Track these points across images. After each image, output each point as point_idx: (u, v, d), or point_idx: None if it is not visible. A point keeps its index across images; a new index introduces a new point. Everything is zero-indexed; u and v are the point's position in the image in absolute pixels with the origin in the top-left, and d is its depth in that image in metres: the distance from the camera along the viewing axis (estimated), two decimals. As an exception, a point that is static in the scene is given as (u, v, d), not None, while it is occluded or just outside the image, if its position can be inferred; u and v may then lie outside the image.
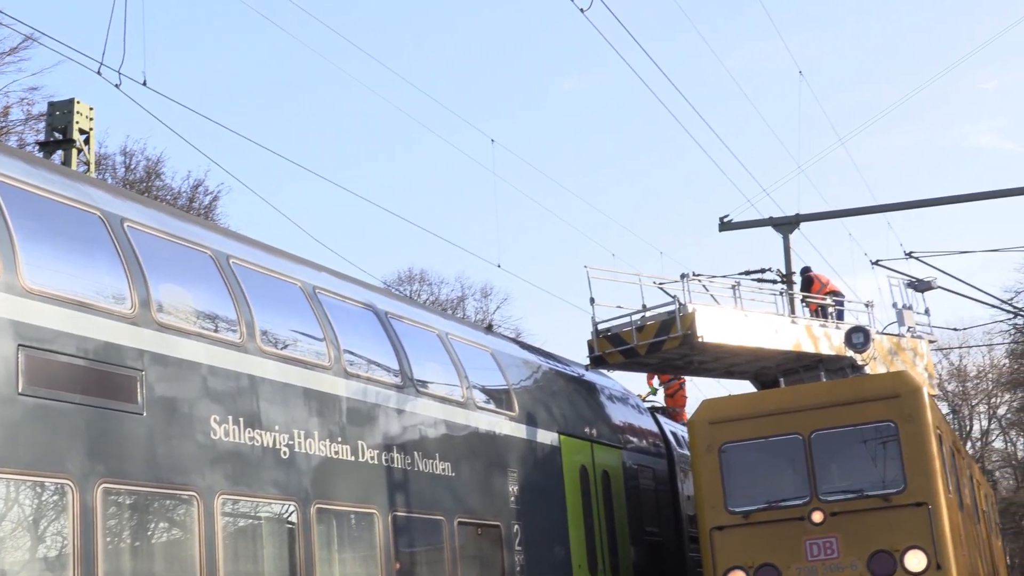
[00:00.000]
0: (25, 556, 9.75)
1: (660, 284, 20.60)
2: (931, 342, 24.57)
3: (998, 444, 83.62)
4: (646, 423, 23.66)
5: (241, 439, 12.03)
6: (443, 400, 16.07)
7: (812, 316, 23.41)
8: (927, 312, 25.16)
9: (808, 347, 20.82)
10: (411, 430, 15.10)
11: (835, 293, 25.31)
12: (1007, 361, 73.67)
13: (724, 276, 22.03)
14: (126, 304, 11.06)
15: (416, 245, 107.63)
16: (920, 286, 25.90)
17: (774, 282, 29.52)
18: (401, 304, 17.30)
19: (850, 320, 23.19)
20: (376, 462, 14.17)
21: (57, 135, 18.06)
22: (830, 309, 23.79)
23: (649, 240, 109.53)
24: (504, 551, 16.77)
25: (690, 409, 28.26)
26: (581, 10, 16.97)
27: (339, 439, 13.56)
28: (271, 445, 12.44)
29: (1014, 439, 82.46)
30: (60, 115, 18.15)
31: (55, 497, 9.93)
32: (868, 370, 21.17)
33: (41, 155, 17.98)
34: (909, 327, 23.51)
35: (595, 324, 20.34)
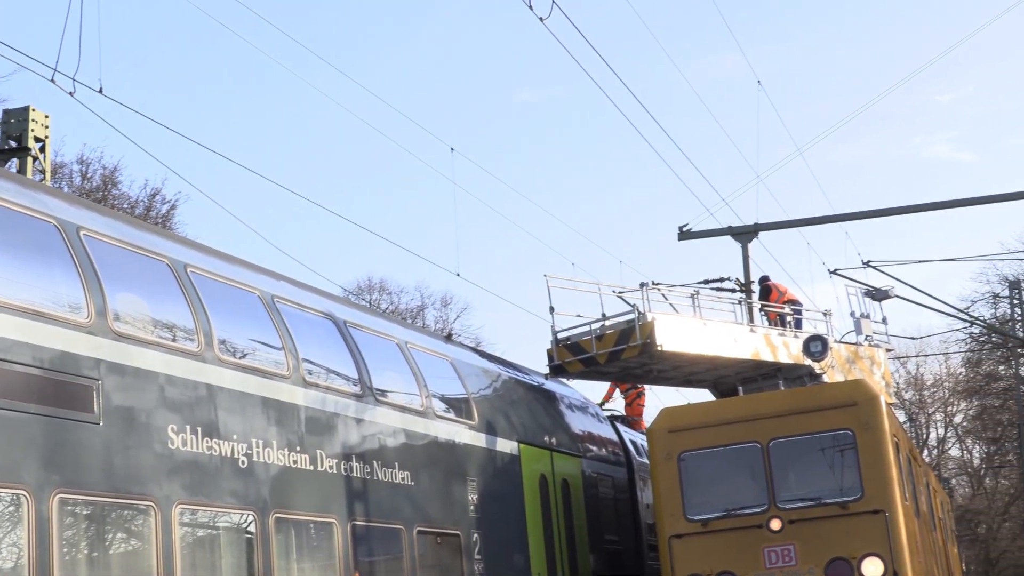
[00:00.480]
0: (-20, 567, 9.66)
1: (619, 293, 20.64)
2: (888, 351, 24.72)
3: (954, 452, 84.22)
4: (605, 432, 23.69)
5: (199, 449, 11.97)
6: (402, 409, 16.04)
7: (770, 325, 23.51)
8: (884, 321, 25.33)
9: (766, 356, 20.90)
10: (370, 439, 15.06)
11: (793, 302, 25.42)
12: (963, 370, 74.19)
13: (683, 285, 22.13)
14: (82, 313, 10.99)
15: (375, 254, 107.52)
16: (877, 295, 26.05)
17: (733, 291, 29.62)
18: (360, 313, 17.27)
19: (808, 329, 23.30)
20: (335, 471, 14.12)
21: (12, 143, 17.91)
22: (788, 318, 23.90)
23: (608, 249, 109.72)
24: (464, 560, 16.75)
25: (649, 418, 28.31)
26: (540, 19, 17.00)
27: (298, 448, 13.51)
28: (229, 455, 12.38)
29: (970, 447, 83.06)
30: (15, 123, 18.00)
31: (10, 507, 9.85)
32: (826, 378, 21.27)
33: (-3, 163, 17.84)
34: (867, 336, 23.64)
35: (554, 333, 20.36)
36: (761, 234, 33.16)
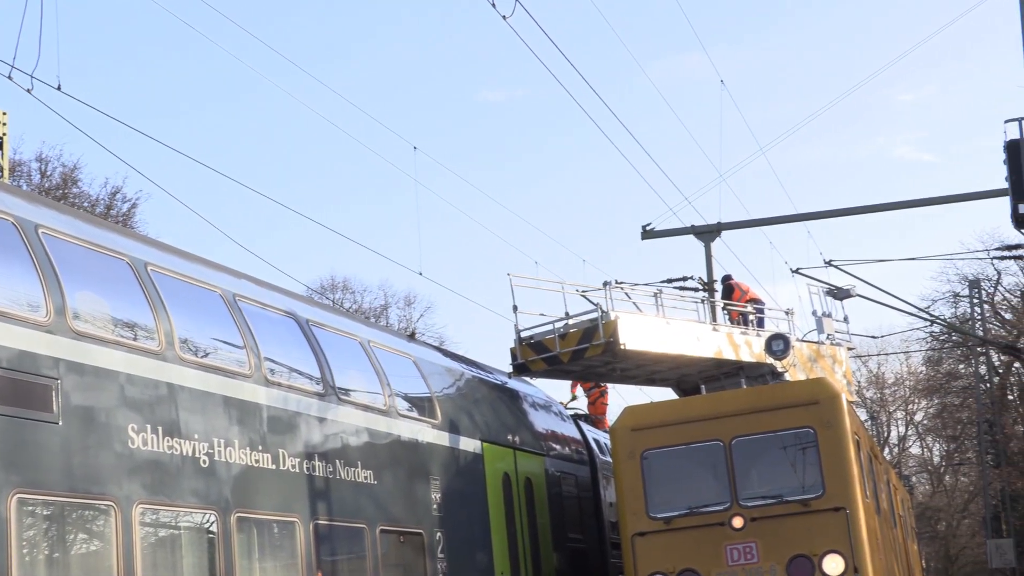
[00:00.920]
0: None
1: (583, 292, 20.65)
2: (850, 349, 24.85)
3: (915, 450, 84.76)
4: (569, 430, 23.70)
5: (160, 448, 11.90)
6: (365, 408, 16.00)
7: (733, 324, 23.58)
8: (846, 320, 25.46)
9: (729, 354, 20.96)
10: (333, 438, 15.01)
11: (755, 301, 25.50)
12: (924, 368, 74.67)
13: (646, 284, 22.16)
14: (41, 312, 10.90)
15: (338, 252, 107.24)
16: (839, 294, 26.16)
17: (696, 290, 29.69)
18: (323, 312, 17.21)
19: (770, 327, 23.38)
20: (297, 470, 14.07)
21: (-31, 141, 17.74)
22: (751, 317, 23.98)
23: (572, 248, 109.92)
24: (427, 559, 16.72)
25: (611, 416, 28.34)
26: (503, 16, 16.98)
27: (260, 447, 13.45)
28: (190, 454, 12.32)
29: (930, 445, 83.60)
30: (-28, 120, 17.84)
31: (-32, 508, 9.76)
32: (788, 377, 21.35)
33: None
34: (828, 334, 23.75)
35: (518, 332, 20.37)
36: (724, 233, 33.28)
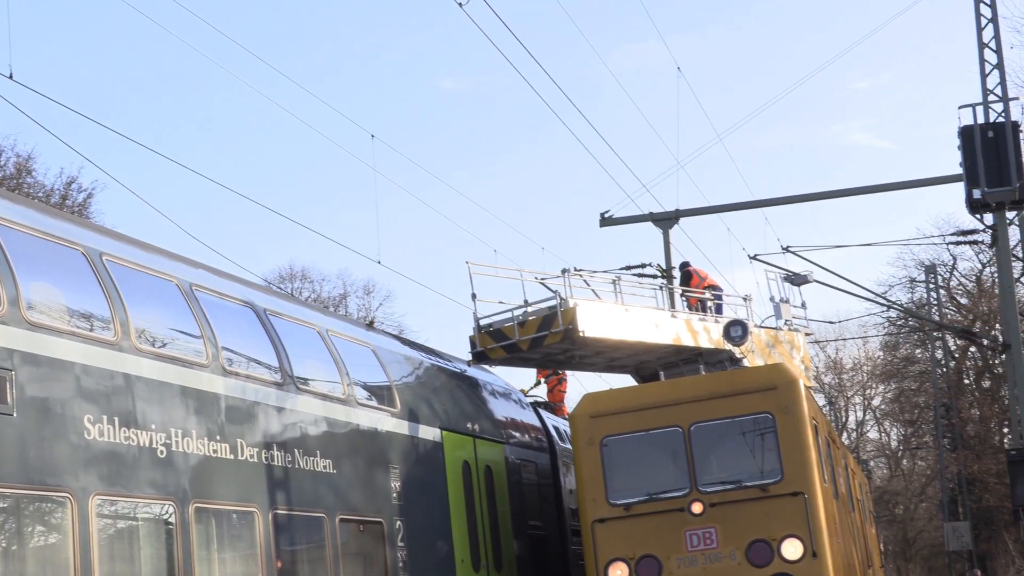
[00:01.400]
0: None
1: (541, 279, 20.65)
2: (807, 335, 24.96)
3: (872, 434, 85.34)
4: (528, 418, 23.72)
5: (116, 439, 11.83)
6: (324, 397, 15.95)
7: (691, 310, 23.64)
8: (803, 305, 25.56)
9: (688, 341, 21.01)
10: (291, 427, 14.97)
11: (714, 287, 25.57)
12: (881, 353, 75.20)
13: (605, 271, 22.18)
14: (-5, 303, 10.80)
15: (297, 242, 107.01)
16: (797, 280, 26.28)
17: (654, 277, 29.78)
18: (281, 301, 17.15)
19: (728, 314, 23.46)
20: (256, 460, 14.02)
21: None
22: (709, 303, 24.04)
23: (531, 236, 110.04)
24: (387, 547, 16.70)
25: (570, 403, 28.37)
26: (459, 3, 16.93)
27: (218, 437, 13.40)
28: (148, 444, 12.25)
29: (888, 429, 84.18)
30: (-75, 110, 17.66)
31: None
32: (746, 363, 21.43)
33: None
34: (786, 320, 23.85)
35: (477, 320, 20.34)
36: (682, 220, 33.41)
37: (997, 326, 51.91)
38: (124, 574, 11.76)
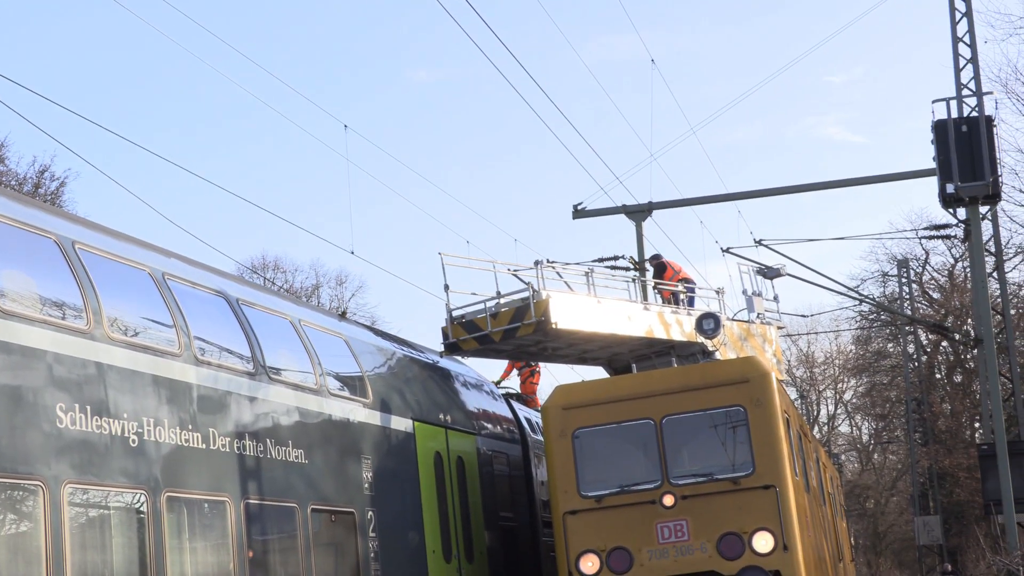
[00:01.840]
0: None
1: (514, 271, 20.66)
2: (780, 328, 25.03)
3: (844, 428, 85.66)
4: (500, 409, 23.75)
5: (88, 427, 11.81)
6: (296, 387, 15.95)
7: (664, 303, 23.68)
8: (776, 299, 25.62)
9: (660, 333, 21.05)
10: (263, 417, 14.96)
11: (687, 280, 25.62)
12: (853, 347, 75.43)
13: (578, 263, 22.18)
14: (-33, 290, 10.77)
15: (269, 231, 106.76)
16: (769, 273, 26.35)
17: (627, 269, 29.81)
18: (253, 291, 17.12)
19: (701, 307, 23.51)
20: (228, 450, 14.01)
21: None
22: (681, 296, 24.09)
23: (503, 227, 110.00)
24: (358, 538, 16.72)
25: (543, 395, 28.40)
26: (435, -4, 16.92)
27: (190, 427, 13.39)
28: (120, 433, 12.24)
29: (859, 423, 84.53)
30: None
31: None
32: (718, 356, 21.48)
33: None
34: (759, 313, 23.91)
35: (449, 311, 20.32)
36: (655, 212, 33.49)
37: (969, 321, 52.21)
38: (96, 563, 11.75)
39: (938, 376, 65.04)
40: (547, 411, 19.11)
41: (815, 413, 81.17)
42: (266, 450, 14.81)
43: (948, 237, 41.09)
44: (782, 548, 17.84)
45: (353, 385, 17.75)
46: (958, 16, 31.84)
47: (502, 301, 20.06)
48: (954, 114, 29.12)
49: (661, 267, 26.29)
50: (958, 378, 63.09)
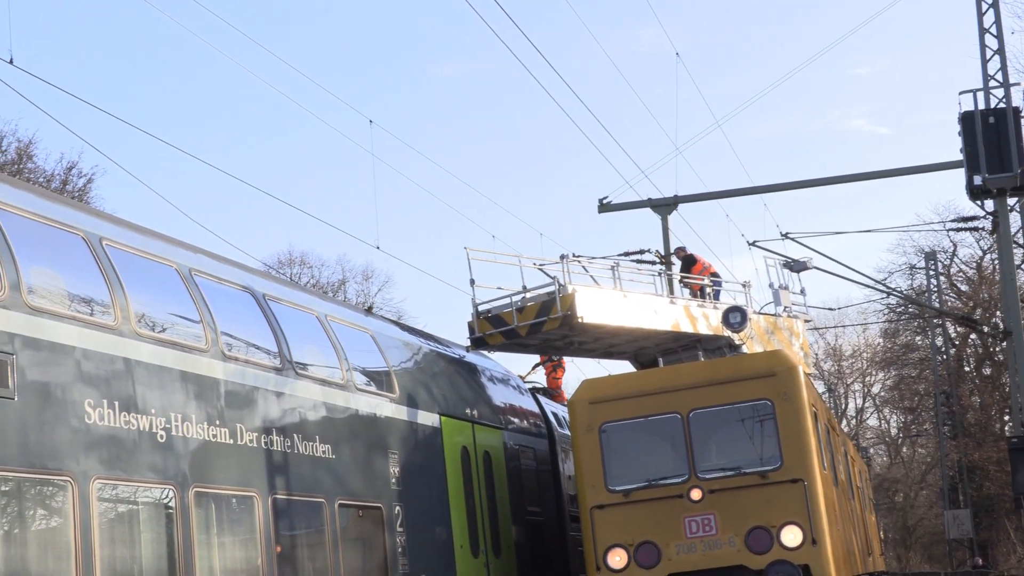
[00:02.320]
0: None
1: (540, 265, 20.64)
2: (807, 321, 24.95)
3: (872, 421, 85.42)
4: (527, 403, 23.74)
5: (117, 423, 11.86)
6: (323, 382, 15.98)
7: (691, 296, 23.63)
8: (803, 292, 25.56)
9: (686, 327, 21.01)
10: (290, 412, 15.00)
11: (712, 274, 25.60)
12: (881, 340, 75.22)
13: (603, 257, 22.18)
14: (-5, 287, 10.82)
15: (296, 227, 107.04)
16: (796, 266, 26.28)
17: (653, 263, 29.78)
18: (279, 286, 17.16)
19: (727, 300, 23.47)
20: (255, 445, 14.05)
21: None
22: (708, 289, 24.06)
23: (529, 222, 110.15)
24: (386, 533, 16.74)
25: (569, 390, 28.40)
26: (460, -9, 16.90)
27: (217, 422, 13.43)
28: (148, 429, 12.28)
29: (888, 416, 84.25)
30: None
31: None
32: (745, 349, 21.42)
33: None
34: (785, 307, 23.84)
35: (475, 305, 20.33)
36: (681, 206, 33.40)
37: (998, 313, 51.93)
38: (124, 558, 11.80)
39: (967, 369, 64.78)
40: (574, 405, 19.09)
41: (843, 406, 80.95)
42: (293, 445, 14.84)
43: (976, 229, 40.92)
44: (811, 542, 17.78)
45: (379, 380, 17.77)
46: (985, 7, 31.65)
47: (528, 296, 20.04)
48: (981, 105, 28.95)
49: (690, 259, 26.26)
50: (987, 371, 62.85)
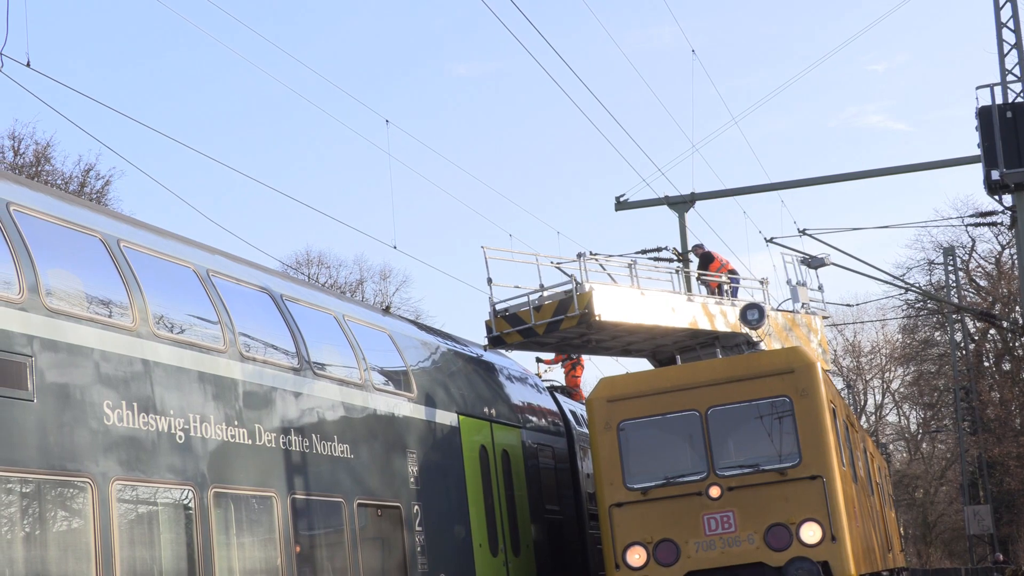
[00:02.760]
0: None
1: (557, 264, 20.63)
2: (825, 318, 24.89)
3: (892, 418, 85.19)
4: (545, 402, 23.74)
5: (135, 424, 11.89)
6: (341, 382, 15.99)
7: (709, 293, 23.59)
8: (821, 288, 25.51)
9: (704, 324, 20.98)
10: (309, 412, 15.02)
11: (731, 272, 25.54)
12: (900, 336, 75.02)
13: (620, 255, 22.13)
14: (14, 290, 10.87)
15: (313, 227, 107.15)
16: (813, 263, 26.22)
17: (670, 260, 29.74)
18: (297, 286, 17.18)
19: (745, 297, 23.42)
20: (274, 445, 14.07)
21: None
22: (725, 287, 24.02)
23: (546, 220, 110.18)
24: (404, 532, 16.76)
25: (587, 388, 28.35)
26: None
27: (236, 423, 13.45)
28: (166, 430, 12.31)
29: (907, 412, 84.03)
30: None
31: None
32: (763, 346, 21.39)
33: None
34: (803, 303, 23.79)
35: (493, 304, 20.32)
36: (697, 203, 33.36)
37: (1017, 308, 51.77)
38: (144, 558, 11.83)
39: (986, 364, 64.59)
40: (592, 403, 19.08)
41: (862, 403, 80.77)
42: (312, 445, 14.86)
43: (994, 224, 40.78)
44: (830, 539, 17.75)
45: (397, 379, 17.79)
46: (1002, 1, 31.54)
47: (545, 294, 20.03)
48: (998, 100, 28.83)
49: (708, 257, 26.22)
50: (1007, 366, 62.66)
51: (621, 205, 33.76)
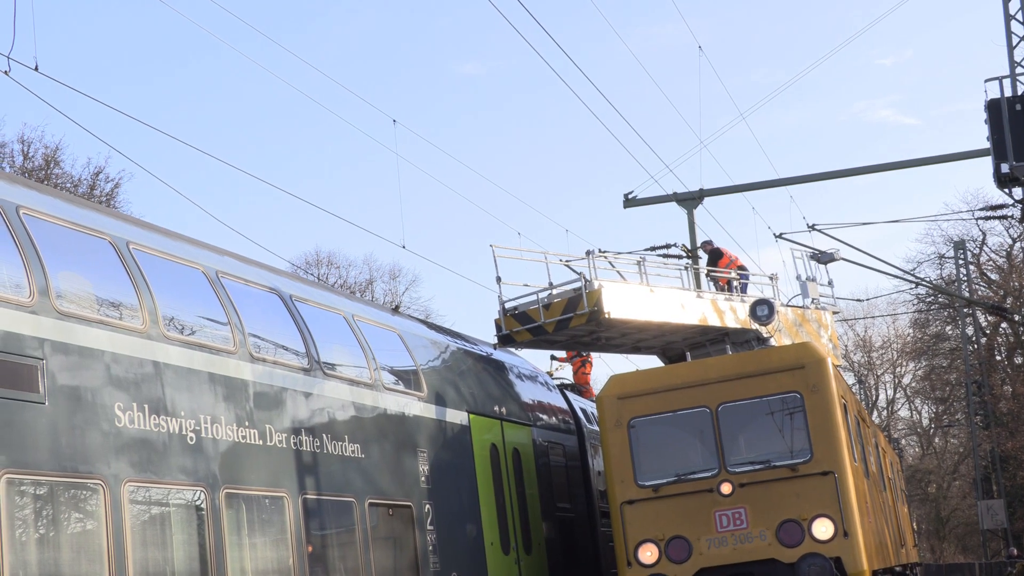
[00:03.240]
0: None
1: (566, 262, 20.63)
2: (835, 313, 24.87)
3: (904, 413, 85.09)
4: (555, 400, 23.74)
5: (147, 426, 11.92)
6: (351, 382, 16.01)
7: (719, 290, 23.57)
8: (830, 284, 25.46)
9: (714, 321, 20.97)
10: (319, 413, 15.04)
11: (740, 268, 25.53)
12: (911, 331, 74.90)
13: (629, 252, 22.13)
14: (24, 293, 10.90)
15: (322, 227, 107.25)
16: (823, 258, 26.18)
17: (679, 257, 29.73)
18: (306, 287, 17.21)
19: (754, 293, 23.40)
20: (285, 445, 14.10)
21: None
22: (735, 283, 24.00)
23: (554, 218, 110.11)
24: (416, 531, 16.77)
25: (597, 385, 28.35)
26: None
27: (247, 423, 13.48)
28: (177, 431, 12.34)
29: (919, 407, 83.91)
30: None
31: (-44, 489, 9.78)
32: (773, 342, 21.36)
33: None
34: (813, 299, 23.76)
35: (502, 303, 20.33)
36: (706, 200, 33.35)
37: (1028, 302, 51.66)
38: (156, 560, 11.86)
39: (998, 358, 64.46)
40: (602, 401, 19.08)
41: (874, 398, 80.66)
42: (322, 445, 14.88)
43: (1005, 217, 40.74)
44: (842, 534, 17.73)
45: (407, 379, 17.80)
46: (1010, -6, 31.44)
47: (554, 292, 20.03)
48: (1008, 92, 28.75)
49: (717, 253, 26.20)
50: (1019, 359, 62.52)
51: (629, 202, 33.75)
